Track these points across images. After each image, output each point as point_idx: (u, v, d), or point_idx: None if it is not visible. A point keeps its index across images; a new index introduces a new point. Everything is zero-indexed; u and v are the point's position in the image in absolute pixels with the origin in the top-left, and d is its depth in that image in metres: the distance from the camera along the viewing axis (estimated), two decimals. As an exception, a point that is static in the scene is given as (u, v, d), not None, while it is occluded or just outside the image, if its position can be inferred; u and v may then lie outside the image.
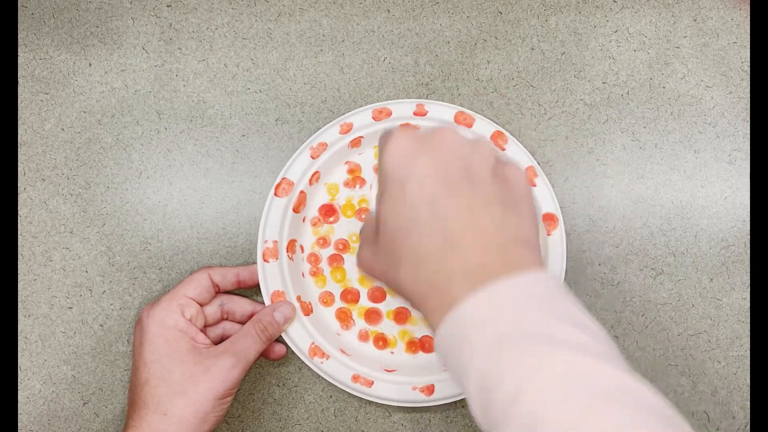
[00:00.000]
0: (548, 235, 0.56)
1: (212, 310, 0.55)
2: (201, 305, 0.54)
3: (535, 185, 0.56)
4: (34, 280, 0.59)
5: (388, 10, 0.61)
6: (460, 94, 0.60)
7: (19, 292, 0.59)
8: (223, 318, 0.56)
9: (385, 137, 0.42)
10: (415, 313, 0.58)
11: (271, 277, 0.56)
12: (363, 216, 0.57)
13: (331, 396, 0.58)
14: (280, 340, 0.56)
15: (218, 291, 0.56)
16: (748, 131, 0.60)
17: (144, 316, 0.52)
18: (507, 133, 0.57)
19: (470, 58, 0.60)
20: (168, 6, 0.61)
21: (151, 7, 0.61)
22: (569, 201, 0.59)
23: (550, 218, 0.56)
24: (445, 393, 0.55)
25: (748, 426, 0.57)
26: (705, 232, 0.59)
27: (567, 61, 0.60)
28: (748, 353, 0.58)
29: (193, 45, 0.60)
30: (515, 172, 0.41)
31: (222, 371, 0.50)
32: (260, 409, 0.58)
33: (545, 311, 0.35)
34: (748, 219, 0.59)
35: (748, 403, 0.57)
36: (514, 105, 0.60)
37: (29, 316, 0.59)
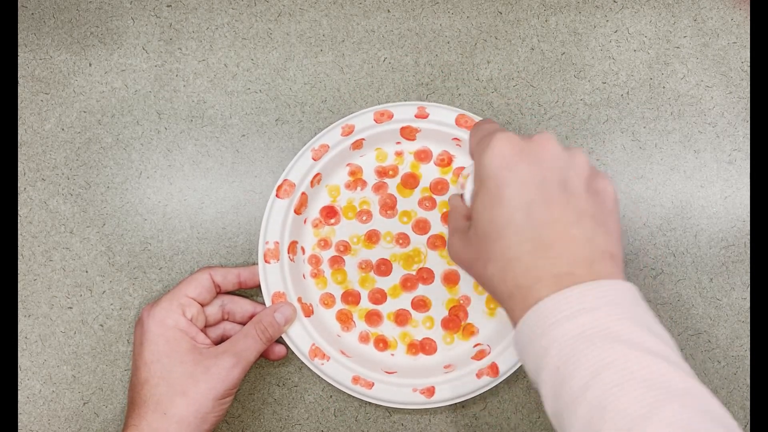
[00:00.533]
0: None
1: (213, 311, 0.55)
2: (202, 305, 0.54)
3: None
4: (34, 280, 0.59)
5: (388, 10, 0.61)
6: (460, 94, 0.60)
7: (19, 292, 0.59)
8: (224, 318, 0.56)
9: (486, 136, 0.43)
10: (416, 316, 0.58)
11: (272, 279, 0.56)
12: (454, 193, 0.55)
13: (331, 396, 0.58)
14: (280, 340, 0.56)
15: (219, 291, 0.56)
16: (748, 131, 0.60)
17: (144, 315, 0.52)
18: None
19: (470, 58, 0.60)
20: (168, 6, 0.61)
21: (151, 7, 0.61)
22: (569, 201, 0.59)
23: None
24: (445, 395, 0.55)
25: (749, 426, 0.57)
26: (705, 232, 0.59)
27: (567, 61, 0.60)
28: (748, 353, 0.58)
29: (193, 45, 0.60)
30: (607, 185, 0.43)
31: (222, 371, 0.50)
32: (260, 409, 0.58)
33: (623, 315, 0.37)
34: (748, 219, 0.59)
35: (748, 403, 0.57)
36: (514, 105, 0.60)
37: (29, 316, 0.59)
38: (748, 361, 0.58)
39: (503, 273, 0.41)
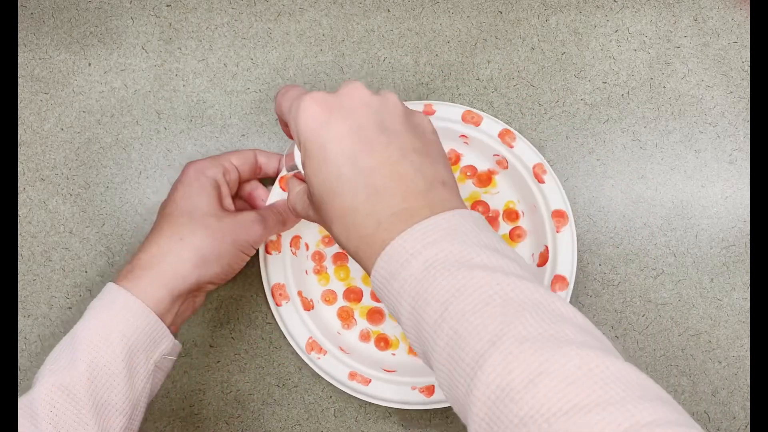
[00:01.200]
0: (557, 232, 0.55)
1: (243, 191, 0.56)
2: (240, 180, 0.55)
3: (543, 182, 0.56)
4: (34, 280, 0.59)
5: (388, 10, 0.61)
6: (460, 94, 0.60)
7: (18, 292, 0.59)
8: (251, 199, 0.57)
9: (294, 101, 0.43)
10: None
11: (272, 269, 0.56)
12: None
13: (331, 396, 0.58)
14: (280, 330, 0.56)
15: (259, 173, 0.56)
16: (748, 131, 0.60)
17: (185, 167, 0.53)
18: (514, 131, 0.56)
19: (470, 58, 0.60)
20: (168, 6, 0.61)
21: (151, 6, 0.61)
22: (570, 201, 0.59)
23: (559, 215, 0.55)
24: (443, 395, 0.55)
25: (749, 426, 0.57)
26: (705, 232, 0.59)
27: (567, 61, 0.60)
28: (748, 353, 0.58)
29: (192, 45, 0.60)
30: (422, 119, 0.44)
31: (247, 223, 0.51)
32: (260, 409, 0.58)
33: (467, 241, 0.37)
34: (748, 219, 0.59)
35: (749, 404, 0.57)
36: (515, 105, 0.60)
37: (29, 316, 0.59)
38: (748, 362, 0.58)
39: (346, 229, 0.41)
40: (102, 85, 0.60)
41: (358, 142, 0.41)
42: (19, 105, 0.60)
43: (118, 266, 0.59)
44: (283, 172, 0.55)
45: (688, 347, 0.58)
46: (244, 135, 0.60)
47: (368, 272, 0.41)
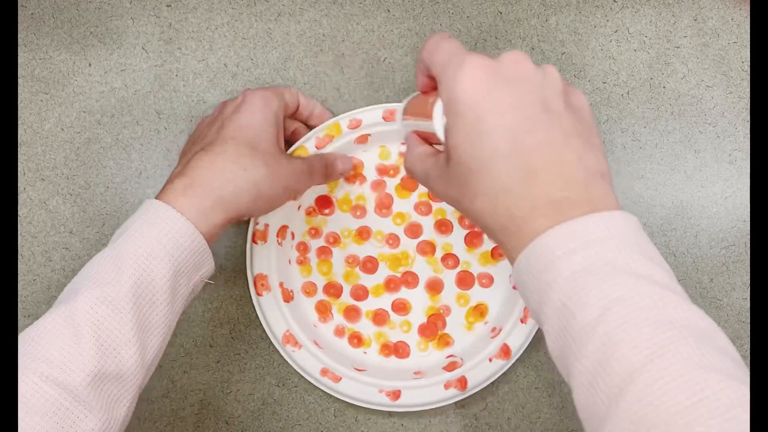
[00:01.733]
0: None
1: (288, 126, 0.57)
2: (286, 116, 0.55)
3: None
4: (34, 280, 0.59)
5: (388, 10, 0.61)
6: (460, 94, 0.60)
7: (19, 292, 0.59)
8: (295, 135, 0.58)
9: (452, 59, 0.40)
10: (394, 317, 0.58)
11: (257, 259, 0.56)
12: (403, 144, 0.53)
13: (330, 396, 0.58)
14: (264, 316, 0.57)
15: (296, 112, 0.57)
16: (748, 131, 0.60)
17: (246, 92, 0.52)
18: None
19: (470, 58, 0.60)
20: (168, 6, 0.61)
21: (151, 7, 0.61)
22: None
23: None
24: (409, 401, 0.55)
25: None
26: (705, 232, 0.59)
27: (567, 61, 0.60)
28: (748, 353, 0.58)
29: (192, 45, 0.60)
30: (582, 99, 0.41)
31: (298, 170, 0.52)
32: (260, 409, 0.58)
33: (629, 247, 0.36)
34: (748, 219, 0.59)
35: (749, 404, 0.57)
36: (514, 105, 0.60)
37: (29, 316, 0.59)
38: (748, 362, 0.58)
39: (493, 206, 0.38)
40: (102, 85, 0.60)
41: (521, 118, 0.38)
42: (20, 105, 0.60)
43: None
44: (398, 125, 0.51)
45: (688, 347, 0.58)
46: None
47: (507, 251, 0.39)
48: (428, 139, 0.45)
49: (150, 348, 0.44)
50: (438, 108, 0.42)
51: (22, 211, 0.59)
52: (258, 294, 0.56)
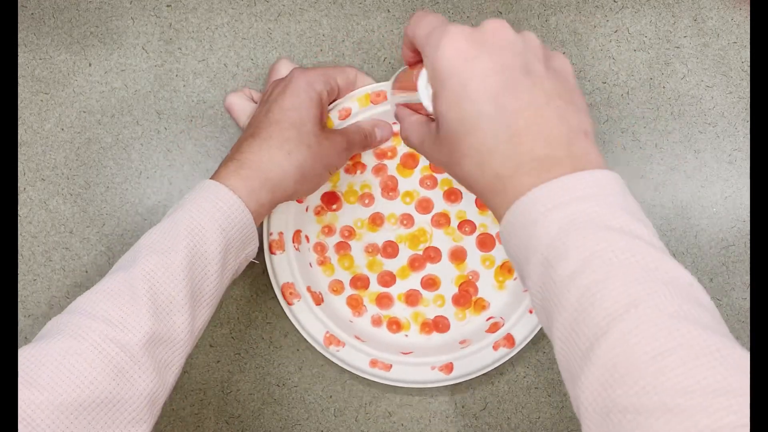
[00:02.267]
0: None
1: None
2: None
3: None
4: (34, 280, 0.59)
5: (388, 10, 0.61)
6: (460, 94, 0.60)
7: (19, 292, 0.59)
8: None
9: (434, 30, 0.42)
10: (426, 295, 0.58)
11: (279, 269, 0.56)
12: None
13: (331, 396, 0.58)
14: (301, 324, 0.56)
15: (342, 93, 0.57)
16: (748, 131, 0.60)
17: (294, 72, 0.53)
18: None
19: (470, 58, 0.60)
20: (168, 6, 0.61)
21: (151, 7, 0.61)
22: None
23: None
24: (464, 370, 0.55)
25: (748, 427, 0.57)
26: (705, 232, 0.59)
27: (567, 61, 0.60)
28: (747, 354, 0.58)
29: (193, 45, 0.60)
30: (564, 62, 0.43)
31: (338, 147, 0.53)
32: (260, 409, 0.58)
33: (612, 203, 0.37)
34: (748, 219, 0.59)
35: (748, 403, 0.57)
36: (514, 105, 0.60)
37: (29, 316, 0.59)
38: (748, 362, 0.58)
39: (480, 167, 0.40)
40: (102, 86, 0.60)
41: (503, 82, 0.39)
42: (20, 105, 0.60)
43: (119, 266, 0.59)
44: (388, 101, 0.53)
45: (688, 347, 0.58)
46: (244, 135, 0.60)
47: (494, 210, 0.41)
48: (418, 110, 0.47)
49: (199, 318, 0.46)
50: (422, 77, 0.44)
51: (22, 211, 0.59)
52: (289, 304, 0.56)
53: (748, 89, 0.60)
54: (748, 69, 0.60)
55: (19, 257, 0.59)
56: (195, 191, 0.48)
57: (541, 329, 0.56)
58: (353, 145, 0.55)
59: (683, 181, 0.59)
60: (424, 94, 0.44)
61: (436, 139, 0.43)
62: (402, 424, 0.58)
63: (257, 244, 0.50)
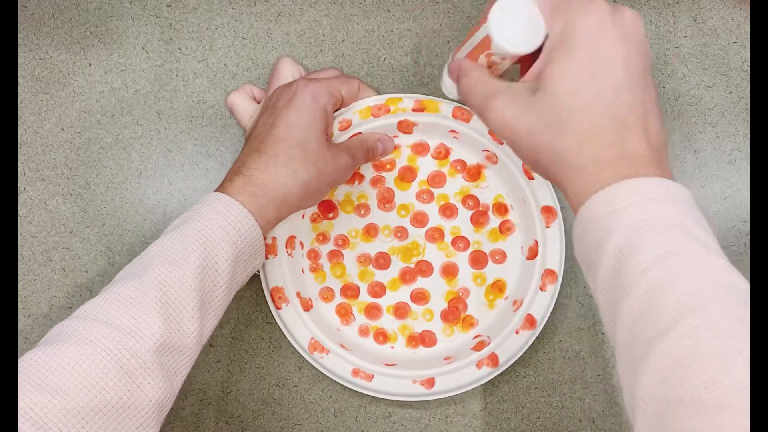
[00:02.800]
0: (547, 227, 0.56)
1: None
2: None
3: (533, 178, 0.57)
4: (34, 280, 0.59)
5: (388, 10, 0.61)
6: (460, 94, 0.60)
7: (19, 292, 0.59)
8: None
9: (612, 6, 0.42)
10: (415, 308, 0.58)
11: (270, 273, 0.56)
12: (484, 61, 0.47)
13: (331, 396, 0.58)
14: (280, 330, 0.56)
15: (346, 103, 0.57)
16: (747, 131, 0.60)
17: (299, 84, 0.53)
18: None
19: (470, 58, 0.60)
20: (168, 6, 0.61)
21: (151, 7, 0.61)
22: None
23: (548, 211, 0.56)
24: (445, 386, 0.55)
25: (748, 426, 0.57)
26: (705, 232, 0.59)
27: (567, 61, 0.60)
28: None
29: (193, 45, 0.60)
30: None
31: (342, 163, 0.53)
32: (260, 409, 0.58)
33: (686, 212, 0.39)
34: (748, 219, 0.59)
35: (748, 403, 0.57)
36: (514, 105, 0.60)
37: (29, 316, 0.59)
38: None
39: (581, 146, 0.40)
40: (102, 86, 0.60)
41: (627, 74, 0.40)
42: (20, 105, 0.60)
43: (118, 266, 0.59)
44: (445, 78, 0.50)
45: (688, 347, 0.58)
46: (244, 135, 0.60)
47: (573, 193, 0.41)
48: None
49: (207, 327, 0.47)
50: (496, 9, 0.42)
51: (22, 211, 0.59)
52: (277, 308, 0.56)
53: (748, 89, 0.60)
54: (748, 69, 0.60)
55: (19, 257, 0.59)
56: (205, 204, 0.49)
57: (526, 351, 0.56)
58: (357, 161, 0.55)
59: (683, 181, 0.59)
60: (497, 30, 0.42)
61: (523, 101, 0.42)
62: (402, 424, 0.58)
63: (263, 258, 0.51)
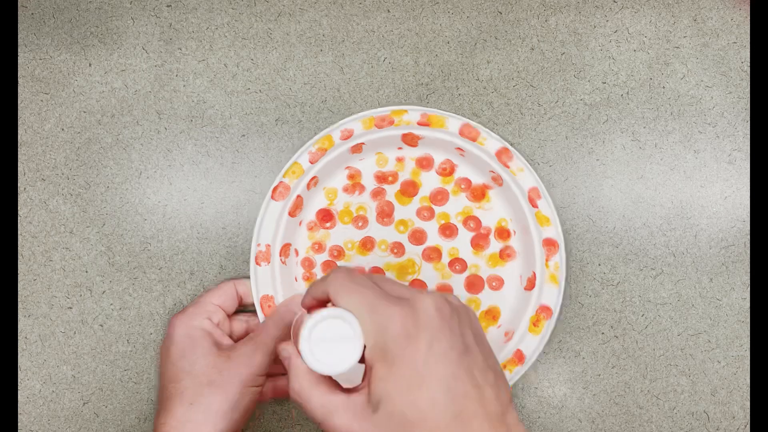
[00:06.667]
0: (547, 260, 0.55)
1: (238, 326, 0.56)
2: (227, 315, 0.55)
3: (537, 207, 0.56)
4: (34, 280, 0.59)
5: (388, 10, 0.61)
6: (459, 94, 0.60)
7: (19, 292, 0.59)
8: (248, 332, 0.56)
9: (378, 307, 0.41)
10: None
11: (262, 282, 0.56)
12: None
13: (331, 396, 0.58)
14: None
15: (241, 303, 0.56)
16: (748, 131, 0.60)
17: (171, 322, 0.53)
18: (513, 150, 0.56)
19: (470, 58, 0.60)
20: (168, 6, 0.61)
21: (151, 7, 0.61)
22: (569, 201, 0.59)
23: (550, 244, 0.56)
24: None
25: (748, 426, 0.57)
26: (705, 232, 0.59)
27: (567, 61, 0.60)
28: (748, 353, 0.58)
29: (193, 45, 0.60)
30: (476, 322, 0.43)
31: (244, 358, 0.50)
32: (260, 409, 0.58)
33: None
34: (748, 219, 0.59)
35: (748, 403, 0.57)
36: (514, 105, 0.60)
37: (29, 316, 0.59)
38: (748, 361, 0.58)
39: None
40: (102, 86, 0.60)
41: (449, 365, 0.40)
42: (20, 105, 0.60)
43: (119, 266, 0.59)
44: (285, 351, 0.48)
45: (688, 347, 0.58)
46: (244, 135, 0.60)
47: None
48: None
49: None
50: (305, 333, 0.41)
51: (22, 211, 0.59)
52: (265, 315, 0.56)
53: (748, 89, 0.60)
54: (748, 69, 0.60)
55: (19, 257, 0.59)
56: None
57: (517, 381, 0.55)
58: (267, 344, 0.52)
59: (683, 181, 0.59)
60: (310, 354, 0.41)
61: (366, 417, 0.41)
62: (402, 424, 0.58)
63: None
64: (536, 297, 0.55)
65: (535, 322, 0.55)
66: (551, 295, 0.55)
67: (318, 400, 0.42)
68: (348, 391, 0.42)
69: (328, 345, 0.41)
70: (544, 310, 0.55)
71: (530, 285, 0.56)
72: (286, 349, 0.44)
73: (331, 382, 0.43)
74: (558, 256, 0.55)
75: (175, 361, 0.51)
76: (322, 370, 0.41)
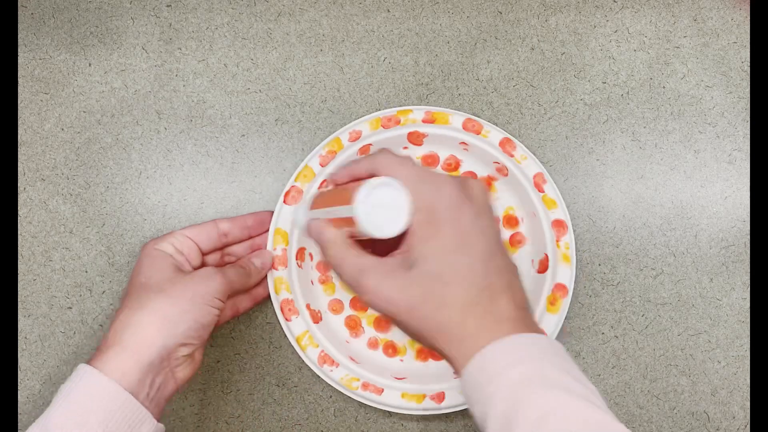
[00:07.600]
0: (557, 241, 0.56)
1: (214, 257, 0.56)
2: (201, 250, 0.54)
3: (543, 191, 0.56)
4: (34, 280, 0.59)
5: (388, 10, 0.61)
6: (460, 94, 0.60)
7: (19, 292, 0.59)
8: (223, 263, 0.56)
9: (427, 175, 0.45)
10: None
11: (280, 285, 0.56)
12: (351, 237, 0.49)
13: (330, 396, 0.58)
14: (280, 330, 0.56)
15: (227, 243, 0.56)
16: (748, 131, 0.60)
17: (141, 248, 0.53)
18: (515, 140, 0.56)
19: (470, 58, 0.60)
20: (168, 6, 0.61)
21: (151, 7, 0.61)
22: (569, 201, 0.59)
23: (559, 224, 0.56)
24: (455, 401, 0.55)
25: (748, 426, 0.57)
26: (705, 232, 0.59)
27: (567, 61, 0.60)
28: (748, 353, 0.58)
29: (193, 45, 0.60)
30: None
31: (200, 278, 0.50)
32: (260, 409, 0.58)
33: (559, 367, 0.41)
34: (748, 219, 0.59)
35: (748, 403, 0.57)
36: (514, 105, 0.60)
37: (29, 316, 0.59)
38: (748, 361, 0.58)
39: (463, 317, 0.42)
40: (102, 85, 0.60)
41: (490, 242, 0.44)
42: (20, 105, 0.60)
43: (118, 266, 0.59)
44: (300, 215, 0.53)
45: (688, 347, 0.58)
46: (244, 135, 0.60)
47: (457, 366, 0.43)
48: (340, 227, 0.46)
49: None
50: (361, 195, 0.44)
51: (22, 211, 0.59)
52: (287, 319, 0.56)
53: (748, 89, 0.60)
54: (748, 69, 0.60)
55: (19, 257, 0.59)
56: (67, 380, 0.45)
57: None
58: (226, 271, 0.52)
59: (683, 181, 0.59)
60: (361, 211, 0.44)
61: (399, 276, 0.44)
62: (402, 424, 0.58)
63: (154, 424, 0.47)
64: (551, 277, 0.56)
65: (552, 302, 0.56)
66: (565, 274, 0.56)
67: (352, 260, 0.45)
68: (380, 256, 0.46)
69: (381, 210, 0.44)
70: (560, 288, 0.56)
71: (543, 267, 0.57)
72: (314, 225, 0.48)
73: (363, 250, 0.46)
74: (568, 236, 0.56)
75: (134, 277, 0.51)
76: (373, 232, 0.44)
